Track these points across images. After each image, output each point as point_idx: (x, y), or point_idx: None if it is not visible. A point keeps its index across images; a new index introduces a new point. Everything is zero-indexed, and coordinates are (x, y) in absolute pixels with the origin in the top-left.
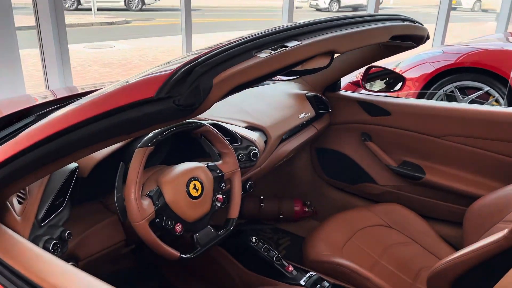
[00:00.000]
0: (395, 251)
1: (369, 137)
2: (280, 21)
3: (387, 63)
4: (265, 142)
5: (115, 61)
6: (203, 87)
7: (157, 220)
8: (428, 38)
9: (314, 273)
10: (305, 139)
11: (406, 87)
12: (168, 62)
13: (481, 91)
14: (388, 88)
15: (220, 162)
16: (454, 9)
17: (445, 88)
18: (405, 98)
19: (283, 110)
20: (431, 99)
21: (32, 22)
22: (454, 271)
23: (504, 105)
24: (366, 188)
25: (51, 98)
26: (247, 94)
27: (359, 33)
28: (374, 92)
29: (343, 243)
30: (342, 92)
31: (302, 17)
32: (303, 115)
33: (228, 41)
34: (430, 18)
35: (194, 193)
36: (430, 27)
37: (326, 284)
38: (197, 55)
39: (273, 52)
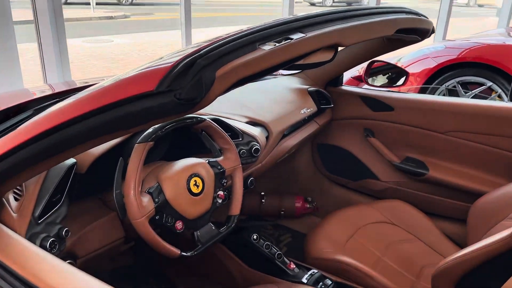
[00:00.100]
0: (398, 248)
1: (371, 132)
2: (281, 16)
3: (388, 58)
4: (267, 137)
5: (114, 55)
6: (205, 80)
7: (157, 217)
8: (433, 31)
9: (316, 271)
10: (307, 134)
11: (407, 82)
12: (161, 58)
13: (483, 87)
14: (391, 83)
15: (221, 158)
16: None
17: (447, 83)
18: (408, 93)
19: (285, 105)
20: (433, 94)
21: (31, 17)
22: (459, 270)
23: (508, 101)
24: (368, 184)
25: (49, 92)
26: (249, 89)
27: (364, 26)
28: (376, 87)
29: (345, 240)
30: (344, 87)
31: (301, 12)
32: (305, 110)
33: (231, 33)
34: (431, 12)
35: (194, 190)
36: None
37: (329, 282)
38: (198, 47)
39: (277, 44)
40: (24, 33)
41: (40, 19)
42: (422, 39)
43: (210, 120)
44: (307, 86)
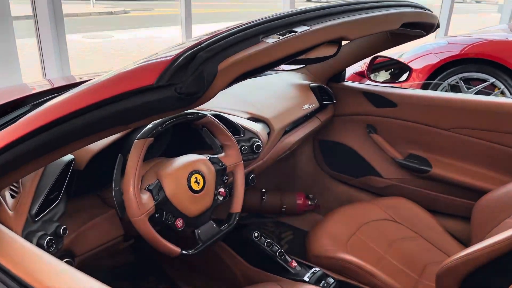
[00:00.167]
0: (401, 246)
1: (374, 129)
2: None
3: (390, 54)
4: (268, 134)
5: (114, 51)
6: (207, 74)
7: (157, 215)
8: (438, 26)
9: (318, 269)
10: (308, 131)
11: (409, 79)
12: (161, 52)
13: (486, 83)
14: (393, 78)
15: (222, 154)
16: None
17: (449, 80)
18: (412, 89)
19: (287, 101)
20: (436, 91)
21: (31, 11)
22: (464, 269)
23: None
24: (371, 181)
25: (48, 87)
26: (250, 85)
27: (370, 19)
28: (379, 83)
29: (347, 237)
30: (347, 83)
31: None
32: (306, 106)
33: (233, 25)
34: (432, 9)
35: (195, 187)
36: None
37: (331, 280)
38: (200, 40)
39: (281, 37)
40: (24, 28)
41: (39, 14)
42: (427, 33)
43: (211, 116)
44: (309, 82)
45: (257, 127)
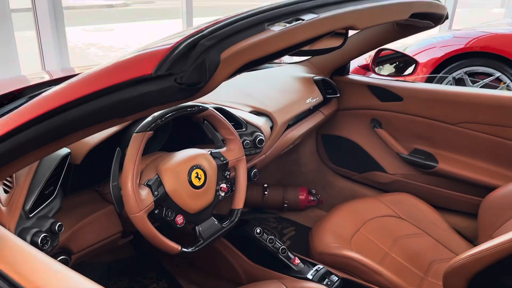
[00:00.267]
0: (406, 243)
1: (379, 123)
2: None
3: (393, 48)
4: (271, 128)
5: (114, 44)
6: (209, 63)
7: (156, 211)
8: (447, 18)
9: (321, 266)
10: (312, 125)
11: (415, 72)
12: (161, 40)
13: (491, 77)
14: (398, 72)
15: (224, 149)
16: None
17: (454, 74)
18: (418, 82)
19: (290, 95)
20: (442, 85)
21: (30, 4)
22: (473, 268)
23: None
24: (375, 176)
25: (45, 79)
26: (252, 77)
27: (380, 8)
28: (384, 76)
29: (351, 234)
30: (351, 76)
31: None
32: (310, 100)
33: (237, 12)
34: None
35: (196, 182)
36: None
37: (335, 278)
38: (201, 28)
39: (287, 25)
40: (24, 20)
41: (38, 7)
42: (435, 25)
43: (213, 109)
44: (313, 75)
45: (259, 120)
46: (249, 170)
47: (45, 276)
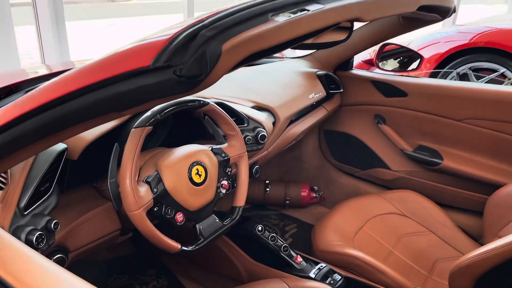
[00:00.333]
0: (410, 241)
1: (383, 119)
2: None
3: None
4: (273, 123)
5: (115, 39)
6: (210, 55)
7: (155, 209)
8: (454, 11)
9: (324, 265)
10: (314, 121)
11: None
12: (153, 33)
13: (496, 73)
14: (402, 67)
15: (225, 145)
16: None
17: (458, 69)
18: (423, 78)
19: (293, 90)
20: (448, 80)
21: None
22: (480, 267)
23: None
24: (378, 173)
25: (44, 73)
26: (254, 71)
27: (387, 0)
28: (389, 71)
29: (354, 232)
30: (355, 71)
31: None
32: (313, 95)
33: (239, 3)
34: None
35: (197, 179)
36: None
37: (338, 277)
38: (202, 18)
39: (292, 15)
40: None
41: (38, 1)
42: (443, 18)
43: (214, 104)
44: (316, 70)
45: (261, 116)
46: (250, 167)
47: (39, 277)
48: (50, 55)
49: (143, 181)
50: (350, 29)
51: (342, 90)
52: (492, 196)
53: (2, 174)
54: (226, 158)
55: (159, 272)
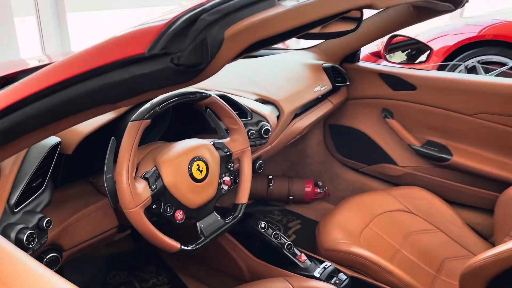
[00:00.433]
0: (417, 240)
1: (390, 113)
2: None
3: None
4: (278, 117)
5: (118, 30)
6: (211, 41)
7: (153, 207)
8: (467, 0)
9: (329, 264)
10: (320, 114)
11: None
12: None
13: (506, 66)
14: (410, 60)
15: (227, 139)
16: None
17: (466, 63)
18: (432, 71)
19: (298, 82)
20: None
21: None
22: (492, 269)
23: None
24: (385, 169)
25: (44, 62)
26: (258, 63)
27: None
28: (397, 64)
29: (360, 229)
30: (362, 64)
31: None
32: (319, 88)
33: None
34: None
35: (197, 175)
36: None
37: (343, 276)
38: (203, 1)
39: (301, 0)
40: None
41: None
42: (455, 8)
43: (216, 96)
44: (322, 62)
45: (265, 109)
46: (254, 162)
47: (26, 281)
48: (50, 46)
49: (141, 177)
50: (359, 19)
51: (348, 83)
52: (503, 193)
53: None
54: (228, 153)
55: (159, 269)
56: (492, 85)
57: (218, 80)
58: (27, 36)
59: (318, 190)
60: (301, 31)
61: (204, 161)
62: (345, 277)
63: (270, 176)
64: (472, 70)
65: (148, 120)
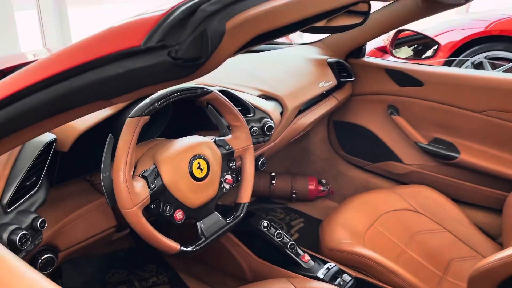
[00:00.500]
0: (423, 240)
1: (396, 110)
2: None
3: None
4: (281, 113)
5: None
6: (211, 34)
7: (152, 206)
8: None
9: (333, 264)
10: (324, 111)
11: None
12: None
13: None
14: (416, 55)
15: (229, 136)
16: None
17: (473, 59)
18: (440, 66)
19: (302, 78)
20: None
21: None
22: (502, 273)
23: None
24: (390, 167)
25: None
26: (261, 58)
27: None
28: (403, 59)
29: (365, 229)
30: (367, 59)
31: None
32: (323, 84)
33: None
34: None
35: (198, 174)
36: None
37: (348, 277)
38: None
39: None
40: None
41: None
42: (466, 1)
43: (218, 92)
44: (327, 57)
45: (269, 105)
46: (256, 159)
47: (15, 286)
48: (51, 40)
49: (139, 176)
50: (367, 12)
51: (353, 79)
52: None
53: None
54: (230, 150)
55: (160, 268)
56: (501, 82)
57: (220, 75)
58: (28, 30)
59: (322, 188)
60: (306, 24)
61: (205, 159)
62: (350, 278)
63: (273, 173)
64: (479, 66)
65: (147, 117)
